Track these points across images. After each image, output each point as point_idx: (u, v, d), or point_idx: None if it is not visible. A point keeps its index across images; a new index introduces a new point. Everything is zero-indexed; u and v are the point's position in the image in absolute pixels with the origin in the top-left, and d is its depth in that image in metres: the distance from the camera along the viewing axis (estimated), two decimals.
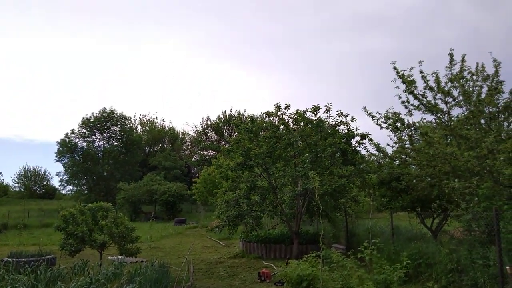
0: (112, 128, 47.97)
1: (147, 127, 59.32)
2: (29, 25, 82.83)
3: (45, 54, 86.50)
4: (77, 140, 46.21)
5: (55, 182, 69.97)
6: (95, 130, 47.15)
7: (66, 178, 45.37)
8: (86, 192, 46.20)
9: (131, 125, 54.18)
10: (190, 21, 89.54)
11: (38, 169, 54.79)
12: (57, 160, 45.30)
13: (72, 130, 45.93)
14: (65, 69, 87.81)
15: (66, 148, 45.01)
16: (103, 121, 47.12)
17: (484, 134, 9.96)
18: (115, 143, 48.38)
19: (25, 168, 53.77)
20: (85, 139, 46.72)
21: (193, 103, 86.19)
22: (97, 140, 47.84)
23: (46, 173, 55.75)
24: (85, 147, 46.42)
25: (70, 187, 46.49)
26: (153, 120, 60.34)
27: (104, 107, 47.86)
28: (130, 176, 46.71)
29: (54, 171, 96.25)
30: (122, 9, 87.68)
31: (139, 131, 57.84)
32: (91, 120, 46.67)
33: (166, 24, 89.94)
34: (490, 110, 10.37)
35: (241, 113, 54.79)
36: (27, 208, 35.78)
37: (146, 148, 58.18)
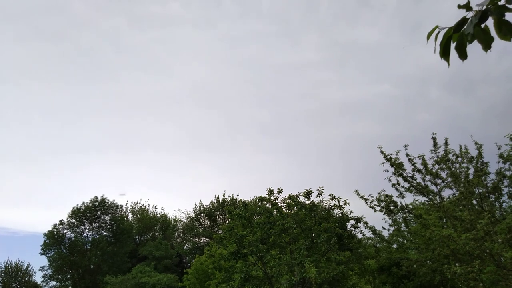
0: (102, 217, 46.84)
1: (138, 215, 58.01)
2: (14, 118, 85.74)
3: (35, 146, 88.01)
4: (65, 231, 44.66)
5: (38, 278, 65.61)
6: (84, 220, 45.92)
7: (50, 273, 42.80)
8: (70, 287, 43.24)
9: (122, 213, 53.01)
10: (180, 111, 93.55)
11: (21, 263, 51.84)
12: (42, 254, 43.20)
13: (61, 220, 44.66)
14: (56, 157, 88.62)
15: (53, 240, 43.25)
16: (94, 211, 46.17)
17: (478, 215, 9.94)
18: (104, 233, 46.78)
19: (6, 264, 50.85)
20: (74, 229, 45.22)
21: (186, 188, 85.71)
22: (86, 230, 46.30)
23: (29, 268, 52.61)
24: (73, 238, 44.70)
25: (54, 282, 43.59)
26: (145, 208, 59.29)
27: (96, 196, 47.29)
28: (118, 268, 44.32)
29: (38, 265, 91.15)
30: (109, 103, 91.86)
31: (130, 219, 56.42)
32: (81, 210, 45.72)
33: (159, 114, 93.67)
34: (480, 191, 10.50)
35: (234, 198, 54.37)
36: None
37: (137, 237, 56.19)
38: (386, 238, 13.23)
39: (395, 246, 13.30)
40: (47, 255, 43.10)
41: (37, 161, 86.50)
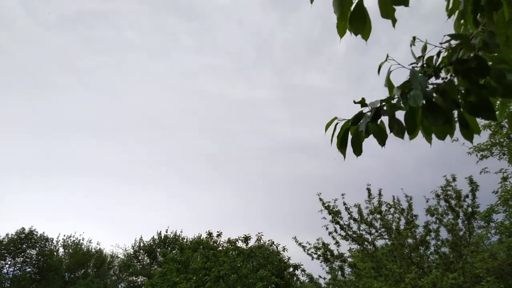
0: (28, 251, 42.61)
1: (70, 250, 53.54)
2: None
3: None
4: None
5: None
6: (6, 254, 41.44)
7: None
8: None
9: (52, 247, 48.71)
10: (125, 138, 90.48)
11: None
12: None
13: None
14: None
15: None
16: (19, 244, 41.96)
17: (407, 267, 10.22)
18: (28, 269, 42.38)
19: None
20: None
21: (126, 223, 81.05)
22: (7, 266, 41.70)
23: None
24: None
25: None
26: (79, 242, 54.94)
27: (23, 227, 43.20)
28: None
29: None
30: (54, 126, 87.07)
31: (60, 254, 51.83)
32: (4, 243, 41.35)
33: (102, 139, 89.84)
34: (410, 242, 10.89)
35: (178, 234, 52.26)
36: None
37: (67, 274, 51.53)
38: (323, 286, 13.14)
39: None
40: None
41: None
